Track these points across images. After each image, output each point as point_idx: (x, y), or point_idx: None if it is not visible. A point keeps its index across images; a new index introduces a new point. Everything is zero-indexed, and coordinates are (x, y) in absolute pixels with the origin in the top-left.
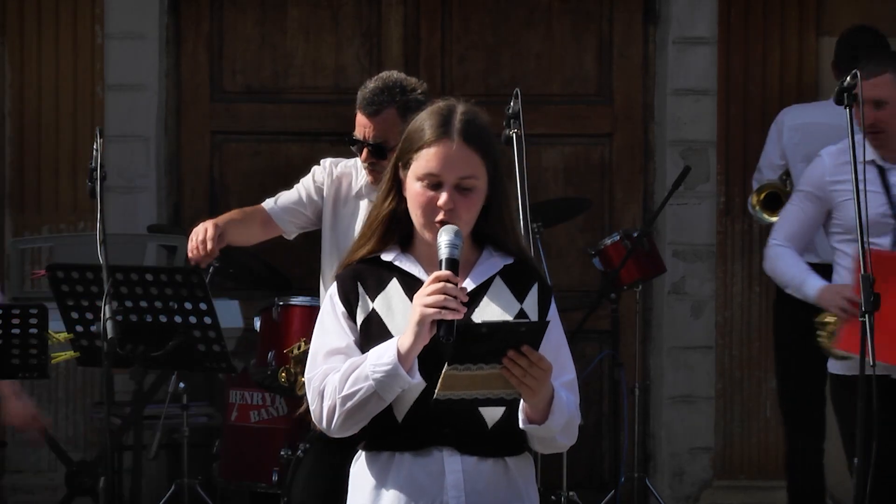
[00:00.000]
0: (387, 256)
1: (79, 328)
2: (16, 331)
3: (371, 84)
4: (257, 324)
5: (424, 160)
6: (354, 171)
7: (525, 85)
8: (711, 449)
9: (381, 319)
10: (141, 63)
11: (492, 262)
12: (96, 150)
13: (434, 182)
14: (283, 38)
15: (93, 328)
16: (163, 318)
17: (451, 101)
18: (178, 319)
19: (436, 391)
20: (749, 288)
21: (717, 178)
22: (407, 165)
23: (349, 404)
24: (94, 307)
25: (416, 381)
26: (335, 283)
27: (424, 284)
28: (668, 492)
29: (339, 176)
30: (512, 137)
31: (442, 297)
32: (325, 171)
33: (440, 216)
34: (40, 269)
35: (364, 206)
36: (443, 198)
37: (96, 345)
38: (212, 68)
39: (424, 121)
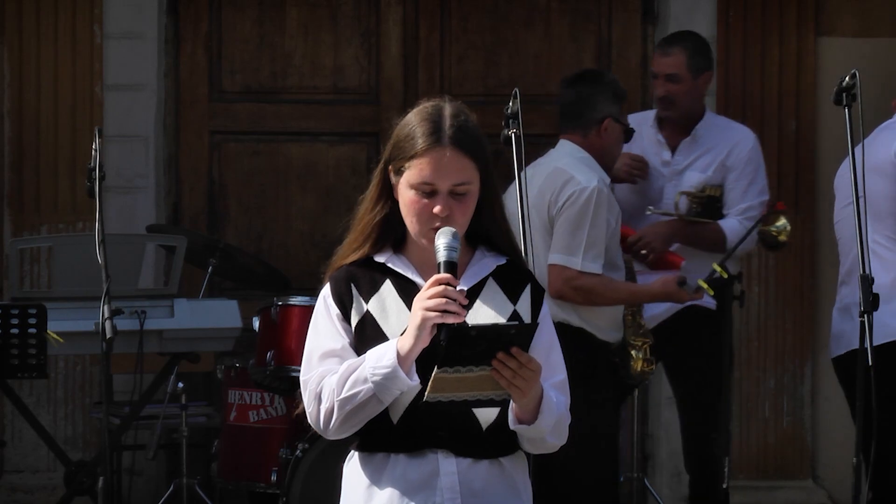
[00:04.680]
0: (379, 258)
1: None
2: (15, 330)
3: None
4: (256, 324)
5: (417, 169)
6: None
7: (524, 85)
8: None
9: (376, 321)
10: (140, 63)
11: (484, 263)
12: (95, 150)
13: (428, 190)
14: (282, 38)
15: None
16: None
17: (438, 102)
18: None
19: (425, 394)
20: (748, 288)
21: None
22: (399, 172)
23: (348, 407)
24: None
25: (415, 384)
26: (328, 285)
27: (424, 287)
28: (667, 492)
29: None
30: (511, 137)
31: (443, 300)
32: None
33: (436, 224)
34: (39, 269)
35: None
36: (438, 207)
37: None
38: (210, 68)
39: (414, 127)
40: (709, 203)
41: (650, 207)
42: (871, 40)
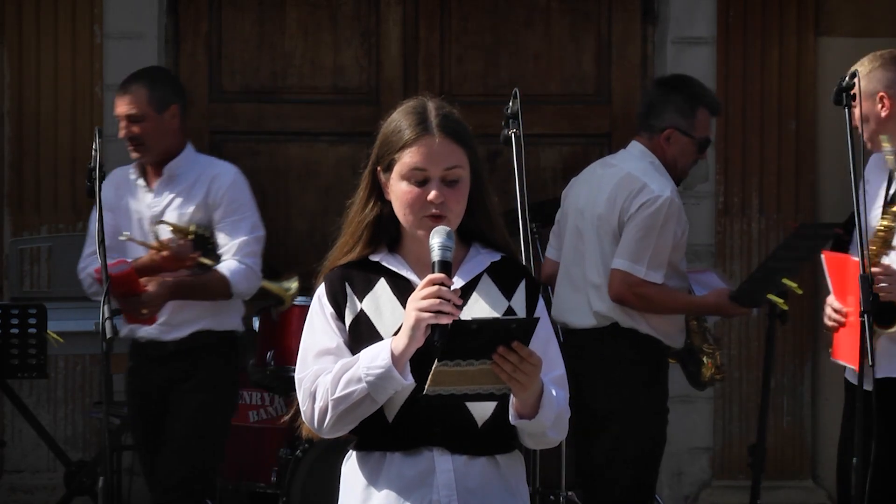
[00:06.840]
0: (374, 257)
1: None
2: (15, 330)
3: None
4: (256, 324)
5: (408, 158)
6: None
7: (523, 85)
8: (710, 449)
9: (370, 320)
10: (140, 63)
11: (479, 260)
12: (95, 150)
13: (421, 178)
14: (282, 38)
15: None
16: None
17: (421, 98)
18: None
19: (425, 387)
20: None
21: (716, 178)
22: (389, 168)
23: (341, 406)
24: None
25: (409, 383)
26: (323, 284)
27: (418, 287)
28: (668, 492)
29: None
30: (511, 137)
31: (437, 300)
32: None
33: (431, 211)
34: (39, 269)
35: None
36: (432, 193)
37: None
38: (210, 68)
39: (400, 121)
40: (199, 242)
41: (125, 233)
42: (871, 40)
